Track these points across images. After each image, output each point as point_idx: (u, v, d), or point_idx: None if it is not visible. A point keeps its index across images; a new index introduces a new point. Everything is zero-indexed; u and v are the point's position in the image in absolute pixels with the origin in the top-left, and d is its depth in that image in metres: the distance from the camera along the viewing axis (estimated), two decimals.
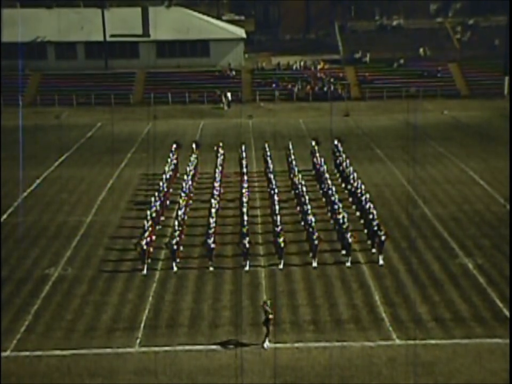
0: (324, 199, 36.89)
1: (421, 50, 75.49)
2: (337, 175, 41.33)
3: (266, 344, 23.24)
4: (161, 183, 36.84)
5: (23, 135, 47.35)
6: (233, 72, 72.28)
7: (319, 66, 72.97)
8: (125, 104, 67.81)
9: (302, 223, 33.22)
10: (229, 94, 67.47)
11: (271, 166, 40.06)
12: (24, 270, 29.65)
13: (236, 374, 21.60)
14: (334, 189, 35.45)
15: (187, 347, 23.37)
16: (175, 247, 29.21)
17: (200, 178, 41.84)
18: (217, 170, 39.61)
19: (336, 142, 44.31)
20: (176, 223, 30.94)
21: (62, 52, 74.96)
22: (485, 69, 71.29)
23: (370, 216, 31.27)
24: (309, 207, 32.81)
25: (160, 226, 33.69)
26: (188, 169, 39.46)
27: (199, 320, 25.12)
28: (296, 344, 23.42)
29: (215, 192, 35.22)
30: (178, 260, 29.47)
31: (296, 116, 62.89)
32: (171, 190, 38.26)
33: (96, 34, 73.88)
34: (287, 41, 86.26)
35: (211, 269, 29.23)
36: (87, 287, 28.03)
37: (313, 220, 31.09)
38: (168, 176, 38.48)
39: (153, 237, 30.72)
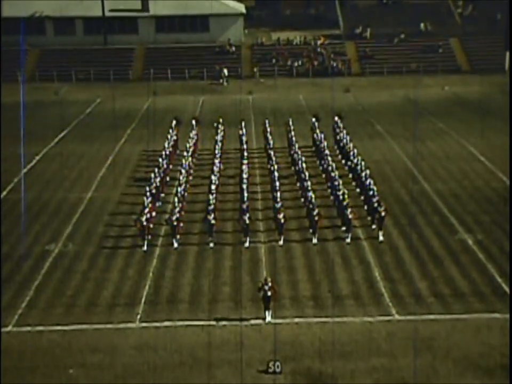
0: (323, 176, 36.86)
1: (422, 25, 74.89)
2: (337, 151, 41.26)
3: (268, 319, 23.36)
4: (160, 160, 36.78)
5: (28, 111, 47.11)
6: (233, 48, 71.86)
7: (319, 42, 72.50)
8: (124, 80, 67.47)
9: (302, 200, 33.26)
10: (225, 70, 67.12)
11: (271, 143, 39.97)
12: (24, 246, 29.68)
13: (236, 349, 21.74)
14: (334, 165, 35.39)
15: (187, 322, 23.49)
16: (175, 223, 29.23)
17: (200, 155, 41.77)
18: (217, 147, 39.52)
19: (336, 118, 44.15)
20: (176, 199, 30.94)
21: (60, 27, 74.39)
22: (486, 44, 70.84)
23: (370, 193, 31.27)
24: (309, 183, 32.83)
25: (160, 203, 33.71)
26: (187, 145, 39.37)
27: (199, 296, 25.23)
28: (296, 320, 23.54)
29: (215, 169, 35.18)
30: (178, 236, 29.52)
31: (296, 91, 62.63)
32: (171, 167, 38.21)
33: (95, 9, 73.25)
34: (287, 17, 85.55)
35: (211, 245, 29.29)
36: (87, 263, 28.11)
37: (313, 196, 31.09)
38: (167, 153, 38.41)
39: (153, 214, 30.74)
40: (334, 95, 57.11)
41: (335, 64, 68.73)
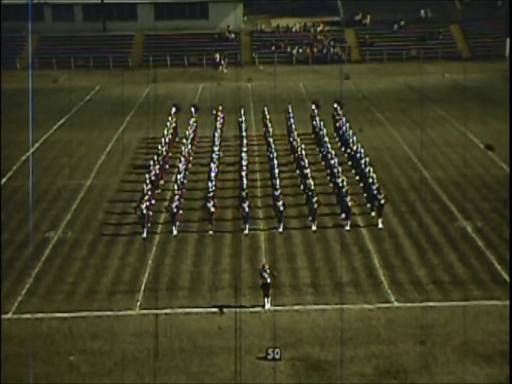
0: (323, 163, 36.83)
1: (422, 11, 74.62)
2: (337, 138, 41.21)
3: (267, 306, 23.42)
4: (160, 147, 36.73)
5: (27, 98, 46.94)
6: (232, 35, 71.61)
7: (319, 29, 72.26)
8: (123, 67, 67.21)
9: (302, 187, 33.25)
10: (217, 55, 67.01)
11: (270, 130, 39.91)
12: (24, 233, 29.71)
13: (236, 336, 21.80)
14: (333, 152, 35.36)
15: (187, 309, 23.55)
16: (174, 210, 29.24)
17: (200, 142, 41.73)
18: (216, 134, 39.46)
19: (336, 105, 44.06)
20: (176, 186, 30.93)
21: (59, 13, 74.04)
22: (487, 30, 70.58)
23: (370, 180, 31.25)
24: (308, 170, 32.79)
25: (159, 190, 33.70)
26: (187, 133, 39.32)
27: (199, 283, 25.27)
28: (296, 307, 23.59)
29: (214, 156, 35.13)
30: (178, 224, 29.53)
31: (295, 79, 62.46)
32: (170, 154, 38.16)
33: None
34: (286, 3, 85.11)
35: (211, 232, 29.30)
36: (87, 250, 28.14)
37: (312, 183, 31.08)
38: (167, 140, 38.35)
39: (153, 201, 30.75)
40: (335, 82, 57.01)
41: (338, 51, 68.43)
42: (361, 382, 19.77)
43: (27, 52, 69.04)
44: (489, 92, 55.61)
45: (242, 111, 43.11)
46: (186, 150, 36.32)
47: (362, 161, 33.67)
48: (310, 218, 29.91)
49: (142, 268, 26.47)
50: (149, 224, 29.56)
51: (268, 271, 23.46)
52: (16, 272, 26.33)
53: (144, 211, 29.11)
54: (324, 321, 22.69)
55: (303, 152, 35.18)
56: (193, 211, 31.29)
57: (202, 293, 24.59)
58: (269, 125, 40.70)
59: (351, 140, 37.42)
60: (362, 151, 35.13)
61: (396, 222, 30.27)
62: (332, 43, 69.73)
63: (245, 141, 37.80)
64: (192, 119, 42.14)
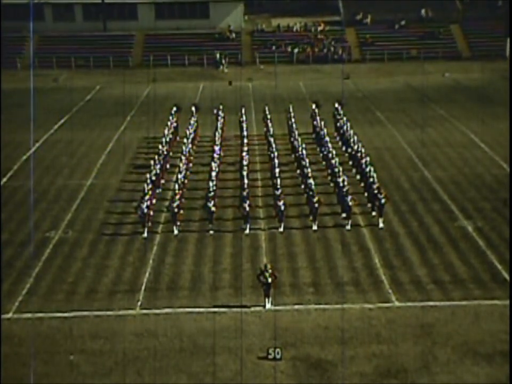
0: (324, 162, 36.83)
1: (423, 11, 74.60)
2: (338, 138, 41.21)
3: (268, 305, 23.42)
4: (160, 146, 36.74)
5: (28, 98, 46.97)
6: (233, 34, 71.60)
7: (319, 28, 72.25)
8: (124, 67, 67.27)
9: (302, 186, 33.25)
10: (217, 55, 67.18)
11: (271, 129, 39.91)
12: (25, 233, 29.73)
13: (236, 335, 21.81)
14: (334, 152, 35.35)
15: (188, 309, 23.55)
16: (175, 210, 29.24)
17: (200, 142, 41.73)
18: (217, 134, 39.47)
19: (336, 105, 44.07)
20: (176, 186, 30.94)
21: (59, 13, 74.09)
22: (487, 30, 70.58)
23: (371, 180, 31.25)
24: (309, 170, 32.81)
25: (160, 190, 33.71)
26: (187, 132, 39.32)
27: (200, 283, 25.27)
28: (296, 306, 23.59)
29: (215, 155, 35.15)
30: (178, 223, 29.54)
31: (296, 78, 62.46)
32: (171, 153, 38.17)
33: None
34: (287, 3, 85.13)
35: (211, 232, 29.31)
36: (87, 250, 28.14)
37: (313, 183, 31.09)
38: (168, 139, 38.37)
39: (154, 200, 30.75)
40: (335, 81, 57.07)
41: (339, 51, 68.41)
42: (361, 381, 19.78)
43: (27, 51, 69.09)
44: (489, 91, 55.60)
45: (243, 111, 43.12)
46: (187, 149, 36.32)
47: (363, 161, 33.67)
48: (311, 217, 29.91)
49: (142, 268, 26.48)
50: (150, 224, 29.57)
51: (270, 271, 23.45)
52: (16, 272, 26.34)
53: (145, 210, 29.12)
54: (324, 320, 22.70)
55: (304, 151, 35.19)
56: (194, 211, 31.29)
57: (202, 293, 24.60)
58: (270, 124, 40.71)
59: (351, 140, 37.42)
60: (362, 150, 35.13)
61: (397, 222, 30.27)
62: (332, 42, 69.70)
63: (245, 141, 37.79)
64: (193, 119, 42.16)
